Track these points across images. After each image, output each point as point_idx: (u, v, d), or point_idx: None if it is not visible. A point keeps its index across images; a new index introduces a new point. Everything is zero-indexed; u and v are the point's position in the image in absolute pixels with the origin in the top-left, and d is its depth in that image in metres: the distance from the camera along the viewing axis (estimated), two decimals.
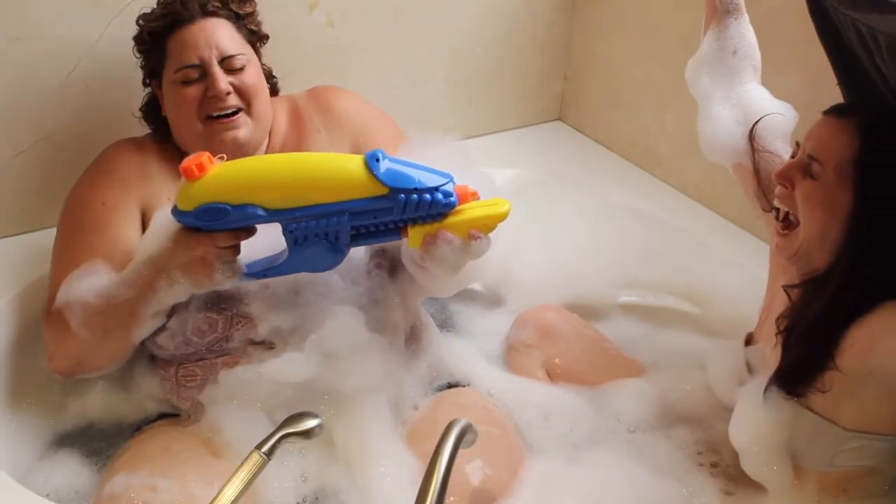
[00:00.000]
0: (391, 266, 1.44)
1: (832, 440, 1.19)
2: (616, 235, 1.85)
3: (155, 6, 1.43)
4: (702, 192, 1.96)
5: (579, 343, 1.63)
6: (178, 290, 1.26)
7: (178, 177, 1.39)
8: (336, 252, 1.22)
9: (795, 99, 1.41)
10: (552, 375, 1.60)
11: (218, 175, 1.19)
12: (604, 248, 1.82)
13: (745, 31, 1.42)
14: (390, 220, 1.21)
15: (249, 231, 1.24)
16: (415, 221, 1.21)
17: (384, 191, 1.19)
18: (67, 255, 1.35)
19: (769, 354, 1.28)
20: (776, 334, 1.23)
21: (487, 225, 1.21)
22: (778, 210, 1.24)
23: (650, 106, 2.06)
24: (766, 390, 1.22)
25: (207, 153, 1.21)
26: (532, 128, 2.31)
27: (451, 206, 1.20)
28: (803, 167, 1.19)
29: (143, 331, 1.31)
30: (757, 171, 1.37)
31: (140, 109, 1.51)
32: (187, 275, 1.23)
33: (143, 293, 1.26)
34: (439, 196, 1.19)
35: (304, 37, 1.59)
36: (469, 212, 1.21)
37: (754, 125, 1.37)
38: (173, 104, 1.39)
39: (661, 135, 2.05)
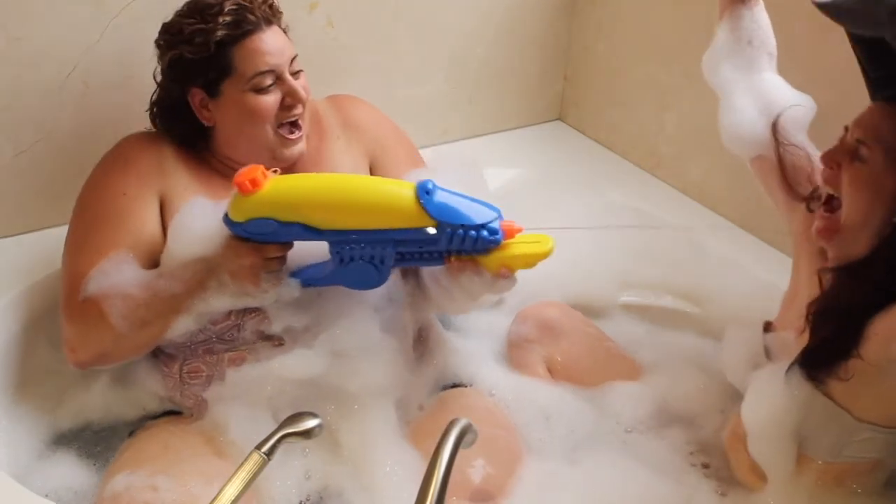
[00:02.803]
0: (402, 270, 1.45)
1: (843, 429, 1.19)
2: (616, 235, 1.85)
3: (182, 9, 1.38)
4: (702, 193, 1.96)
5: (581, 340, 1.63)
6: (225, 295, 1.28)
7: (194, 167, 1.41)
8: (379, 274, 1.26)
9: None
10: (553, 372, 1.60)
11: (270, 192, 1.23)
12: (604, 248, 1.82)
13: (759, 19, 1.42)
14: (435, 250, 1.24)
15: (292, 243, 1.28)
16: (459, 253, 1.24)
17: (432, 223, 1.21)
18: (90, 247, 1.34)
19: (792, 341, 1.28)
20: (805, 318, 1.23)
21: (529, 262, 1.24)
22: (809, 200, 1.26)
23: (650, 106, 2.06)
24: (787, 371, 1.22)
25: (262, 167, 1.24)
26: (532, 128, 2.31)
27: (496, 243, 1.22)
28: (851, 150, 1.19)
29: (178, 327, 1.31)
30: (782, 164, 1.38)
31: (153, 115, 1.45)
32: (235, 281, 1.27)
33: (193, 290, 1.28)
34: (485, 233, 1.21)
35: (304, 37, 1.58)
36: (513, 248, 1.24)
37: (777, 117, 1.38)
38: (244, 113, 1.36)
39: (661, 135, 2.05)
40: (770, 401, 1.24)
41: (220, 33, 1.32)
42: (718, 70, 1.44)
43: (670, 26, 1.95)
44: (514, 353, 1.63)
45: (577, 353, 1.61)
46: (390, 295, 1.41)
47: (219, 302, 1.29)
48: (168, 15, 1.41)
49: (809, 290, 1.27)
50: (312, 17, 1.83)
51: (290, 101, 1.38)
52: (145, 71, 1.45)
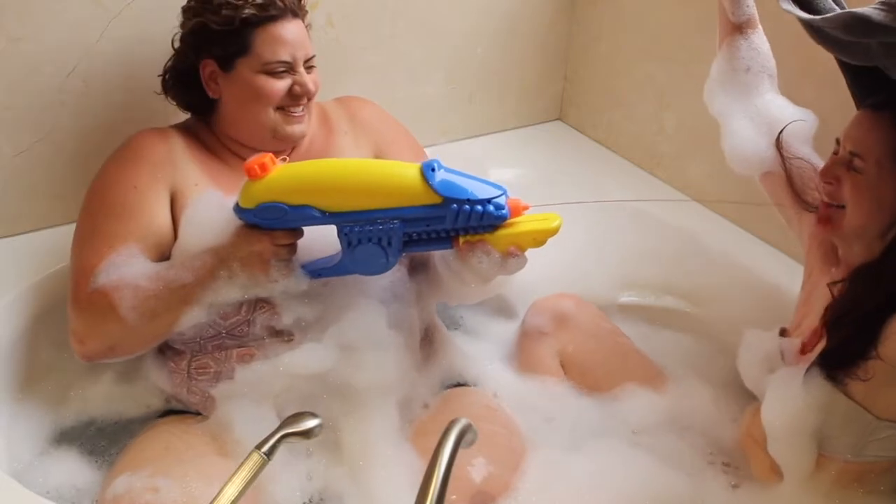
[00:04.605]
0: (410, 265, 1.46)
1: (864, 428, 1.20)
2: (616, 235, 1.85)
3: None
4: (702, 193, 1.96)
5: (595, 334, 1.63)
6: (235, 285, 1.29)
7: (204, 163, 1.43)
8: (388, 257, 1.26)
9: (801, 98, 1.41)
10: (565, 366, 1.60)
11: (279, 176, 1.24)
12: (604, 248, 1.82)
13: (757, 46, 1.44)
14: (442, 229, 1.24)
15: (301, 231, 1.30)
16: (466, 231, 1.24)
17: (437, 200, 1.22)
18: (100, 239, 1.34)
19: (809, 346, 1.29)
20: (821, 325, 1.24)
21: (537, 239, 1.25)
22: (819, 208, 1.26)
23: (650, 106, 2.06)
24: (807, 372, 1.22)
25: (270, 154, 1.26)
26: (532, 128, 2.31)
27: (503, 218, 1.23)
28: (846, 163, 1.21)
29: (188, 320, 1.31)
30: (790, 177, 1.40)
31: (164, 81, 1.48)
32: (245, 269, 1.28)
33: (203, 280, 1.28)
34: (491, 208, 1.22)
35: None
36: (520, 225, 1.24)
37: (780, 134, 1.40)
38: (251, 92, 1.40)
39: (661, 135, 2.05)
40: (790, 402, 1.24)
41: (247, 11, 1.36)
42: (717, 100, 1.46)
43: (670, 26, 1.95)
44: (526, 344, 1.62)
45: (590, 347, 1.61)
46: (395, 290, 1.41)
47: (228, 292, 1.30)
48: (168, 14, 1.41)
49: (823, 298, 1.27)
50: (312, 17, 1.82)
51: (298, 90, 1.41)
52: (145, 71, 1.46)
